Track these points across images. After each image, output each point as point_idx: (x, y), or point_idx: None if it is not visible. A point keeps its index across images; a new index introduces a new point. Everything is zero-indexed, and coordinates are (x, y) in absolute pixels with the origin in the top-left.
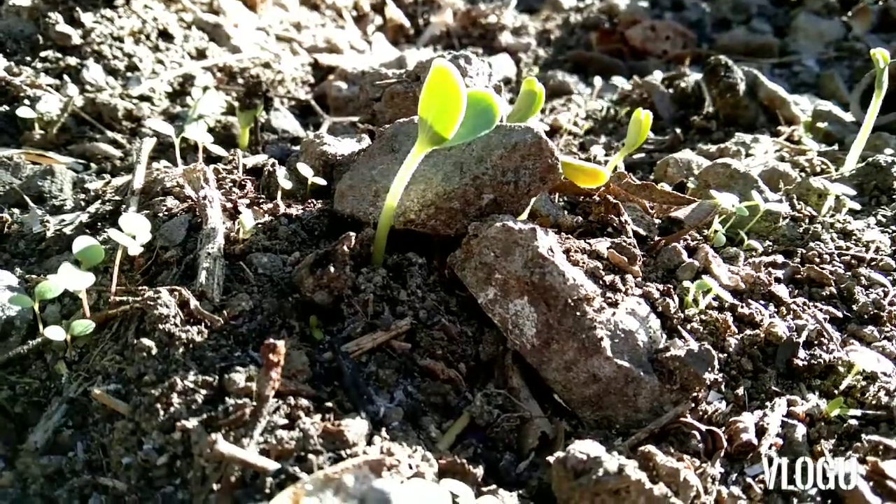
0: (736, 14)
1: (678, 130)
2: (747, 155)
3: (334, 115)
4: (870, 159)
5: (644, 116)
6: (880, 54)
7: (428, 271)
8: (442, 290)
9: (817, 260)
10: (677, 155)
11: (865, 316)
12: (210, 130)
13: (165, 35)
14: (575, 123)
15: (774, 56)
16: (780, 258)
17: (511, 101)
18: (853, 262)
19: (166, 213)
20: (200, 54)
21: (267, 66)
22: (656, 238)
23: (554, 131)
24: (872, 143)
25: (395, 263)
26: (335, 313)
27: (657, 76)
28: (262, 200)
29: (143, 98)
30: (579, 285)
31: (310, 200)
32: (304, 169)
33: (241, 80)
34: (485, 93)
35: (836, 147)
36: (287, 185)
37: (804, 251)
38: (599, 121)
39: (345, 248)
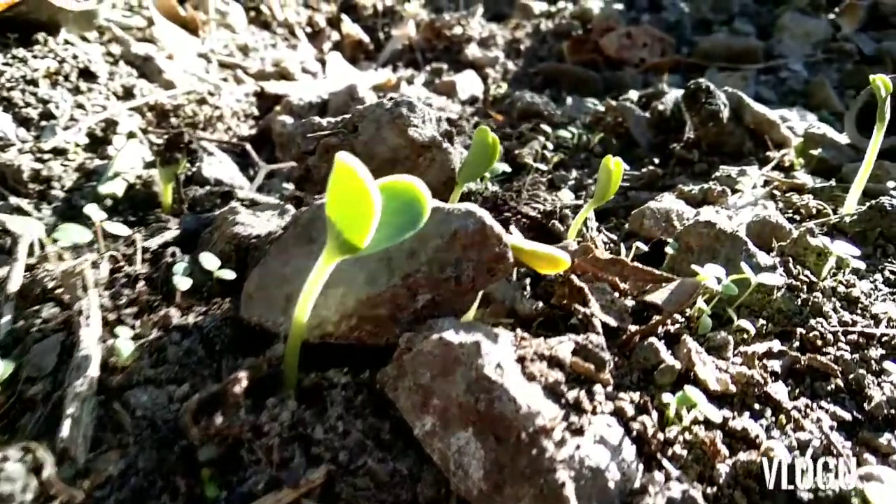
0: (717, 14)
1: (657, 161)
2: (734, 191)
3: (280, 153)
4: (872, 203)
5: (614, 165)
6: (881, 81)
7: (355, 389)
8: (371, 414)
9: (819, 342)
10: (654, 204)
11: (879, 418)
12: (129, 188)
13: (87, 74)
14: (543, 157)
15: (759, 61)
16: (776, 344)
17: (476, 127)
18: (861, 341)
19: (40, 328)
20: (128, 93)
21: (203, 101)
22: (630, 330)
23: (519, 169)
24: (873, 174)
25: (312, 385)
26: (234, 457)
27: (633, 96)
28: (156, 303)
29: (56, 152)
30: (535, 413)
31: (215, 300)
32: (209, 260)
33: (174, 120)
34: (408, 183)
35: (832, 182)
36: (185, 284)
37: (804, 331)
38: (571, 149)
39: (235, 390)
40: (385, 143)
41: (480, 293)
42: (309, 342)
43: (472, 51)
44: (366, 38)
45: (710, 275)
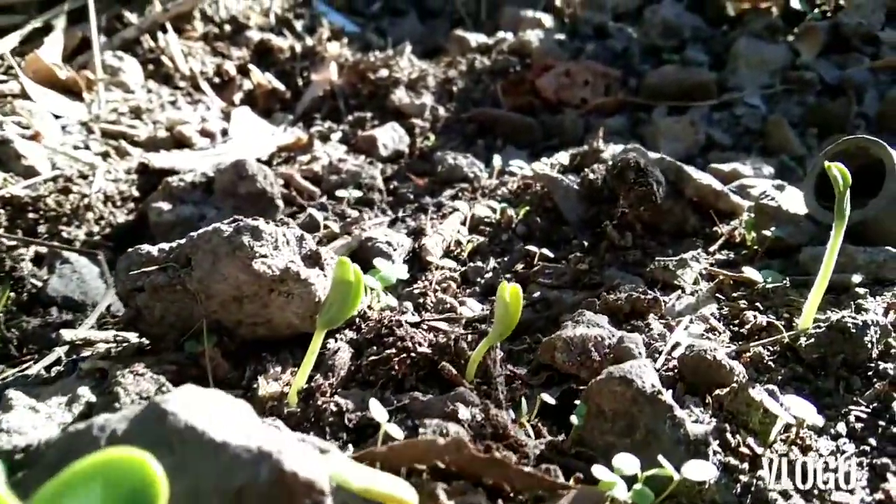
0: (667, 39)
1: (586, 243)
2: (672, 287)
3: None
4: (833, 320)
5: (510, 295)
6: (838, 170)
7: None
8: None
9: None
10: (568, 331)
11: None
12: None
13: None
14: (458, 242)
15: (713, 96)
16: None
17: (393, 195)
18: None
19: None
20: None
21: (68, 190)
22: None
23: (424, 266)
24: (838, 263)
25: None
26: None
27: (563, 158)
28: None
29: None
30: None
31: None
32: None
33: (32, 215)
34: (134, 460)
35: (787, 282)
36: None
37: None
38: (493, 227)
39: None
40: (225, 280)
41: None
42: None
43: (400, 96)
44: (281, 87)
45: (619, 479)
